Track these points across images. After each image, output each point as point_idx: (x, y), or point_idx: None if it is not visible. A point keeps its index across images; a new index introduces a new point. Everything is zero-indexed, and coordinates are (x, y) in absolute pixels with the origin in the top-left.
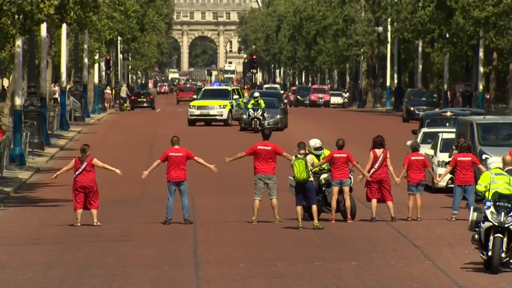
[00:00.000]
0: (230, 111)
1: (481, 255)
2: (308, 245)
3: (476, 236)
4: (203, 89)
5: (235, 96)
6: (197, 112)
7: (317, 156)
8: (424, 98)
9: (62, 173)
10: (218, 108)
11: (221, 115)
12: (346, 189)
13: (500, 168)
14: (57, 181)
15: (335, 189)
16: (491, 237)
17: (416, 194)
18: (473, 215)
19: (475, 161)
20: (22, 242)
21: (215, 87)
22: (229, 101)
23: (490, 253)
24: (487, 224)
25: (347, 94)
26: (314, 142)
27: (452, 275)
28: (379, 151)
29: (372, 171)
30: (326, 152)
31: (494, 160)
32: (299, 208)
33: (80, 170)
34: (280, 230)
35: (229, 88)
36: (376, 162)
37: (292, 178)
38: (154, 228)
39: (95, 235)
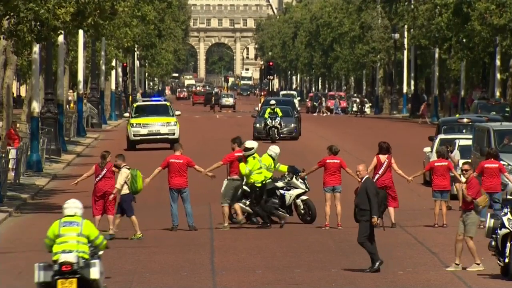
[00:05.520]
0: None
1: (498, 261)
2: (324, 251)
3: (493, 243)
4: (134, 105)
5: (178, 112)
6: (144, 131)
7: (249, 156)
8: (494, 112)
9: (83, 179)
10: (168, 126)
11: (173, 134)
12: (338, 195)
13: (270, 156)
14: (74, 188)
15: (328, 195)
16: (508, 244)
17: (441, 201)
18: (490, 222)
19: (502, 168)
20: (39, 249)
21: (149, 103)
22: (175, 118)
23: (507, 260)
24: (504, 230)
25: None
26: (247, 142)
27: (469, 281)
28: (383, 157)
29: (376, 177)
30: (257, 157)
31: (273, 149)
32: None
33: (100, 176)
34: (294, 237)
35: (167, 103)
36: (380, 168)
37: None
38: (171, 235)
39: (112, 241)
